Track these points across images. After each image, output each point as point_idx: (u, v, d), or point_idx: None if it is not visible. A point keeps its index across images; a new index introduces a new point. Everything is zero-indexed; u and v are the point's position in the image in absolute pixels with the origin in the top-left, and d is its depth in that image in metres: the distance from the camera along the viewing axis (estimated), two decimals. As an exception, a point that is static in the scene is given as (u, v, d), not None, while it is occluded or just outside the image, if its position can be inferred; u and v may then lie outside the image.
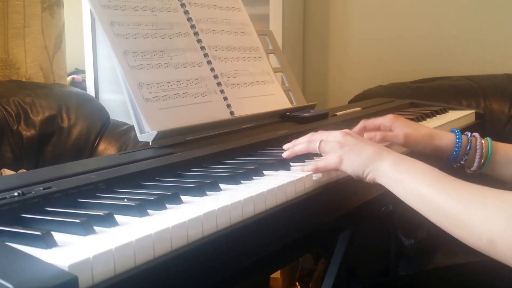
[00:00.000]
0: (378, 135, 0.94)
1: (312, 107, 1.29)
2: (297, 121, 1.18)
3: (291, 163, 0.84)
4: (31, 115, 1.77)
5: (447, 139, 0.95)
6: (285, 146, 0.89)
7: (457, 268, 1.18)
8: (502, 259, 0.62)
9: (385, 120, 0.98)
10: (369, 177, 0.77)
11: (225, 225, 0.60)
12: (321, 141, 0.81)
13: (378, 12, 2.37)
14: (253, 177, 0.76)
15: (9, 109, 1.75)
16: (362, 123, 1.00)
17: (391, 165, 0.75)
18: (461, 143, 0.94)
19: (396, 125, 0.96)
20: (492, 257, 0.63)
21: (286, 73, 1.34)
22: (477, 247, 0.64)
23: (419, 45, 2.30)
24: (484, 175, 0.96)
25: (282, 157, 0.86)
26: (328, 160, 0.79)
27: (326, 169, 0.79)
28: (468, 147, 0.94)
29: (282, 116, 1.19)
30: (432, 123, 1.28)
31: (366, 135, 0.96)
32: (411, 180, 0.72)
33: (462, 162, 0.95)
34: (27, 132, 1.75)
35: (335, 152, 0.79)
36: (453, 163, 0.97)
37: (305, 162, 0.86)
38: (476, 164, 0.94)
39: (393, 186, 0.74)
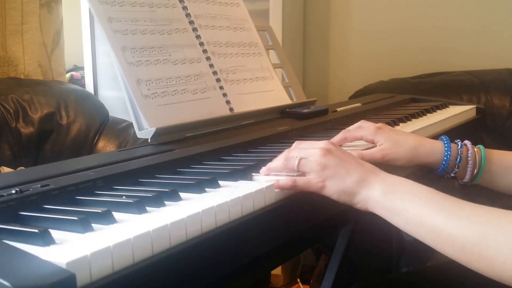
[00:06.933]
0: (353, 153, 0.83)
1: (312, 103, 1.28)
2: (297, 117, 1.17)
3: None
4: (29, 113, 1.77)
5: (434, 151, 0.86)
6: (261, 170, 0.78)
7: (458, 264, 1.17)
8: None
9: (367, 132, 0.88)
10: (360, 206, 0.71)
11: (224, 221, 0.60)
12: (300, 159, 0.74)
13: (379, 7, 2.36)
14: (253, 174, 0.76)
15: (8, 107, 1.75)
16: (342, 134, 0.90)
17: (381, 193, 0.68)
18: (449, 154, 0.86)
19: (378, 138, 0.87)
20: None
21: (286, 69, 1.33)
22: (503, 280, 0.58)
23: (420, 40, 2.29)
24: (478, 186, 0.90)
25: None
26: (309, 182, 0.72)
27: (305, 189, 0.72)
28: (458, 159, 0.86)
29: (282, 112, 1.19)
30: (432, 118, 1.28)
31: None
32: (407, 208, 0.66)
33: (452, 174, 0.88)
34: (26, 130, 1.75)
35: (316, 175, 0.72)
36: (443, 175, 0.89)
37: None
38: (468, 176, 0.87)
39: (389, 217, 0.68)
